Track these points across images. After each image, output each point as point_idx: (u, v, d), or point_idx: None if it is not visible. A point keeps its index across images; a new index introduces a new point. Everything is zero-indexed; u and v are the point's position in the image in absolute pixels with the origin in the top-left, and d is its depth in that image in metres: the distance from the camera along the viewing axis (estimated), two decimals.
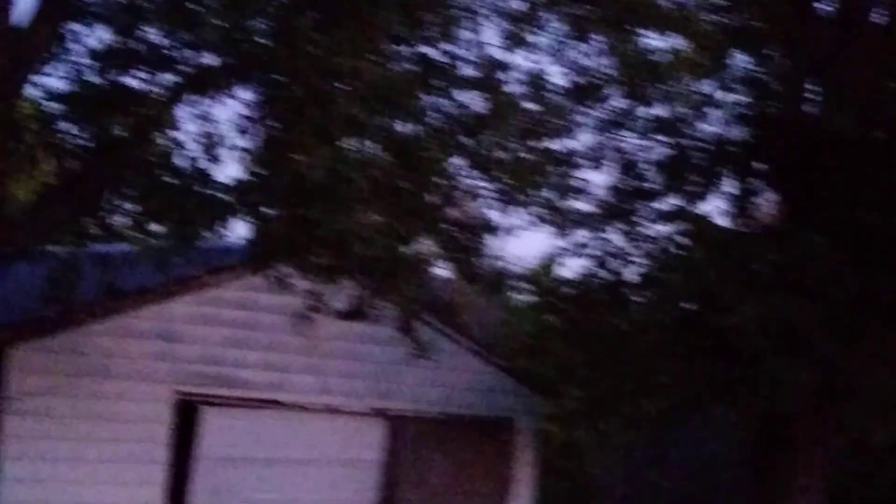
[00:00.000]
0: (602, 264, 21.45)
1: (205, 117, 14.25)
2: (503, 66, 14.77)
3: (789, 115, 20.22)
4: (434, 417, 21.15)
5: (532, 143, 15.15)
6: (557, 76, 15.62)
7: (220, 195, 14.51)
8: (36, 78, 14.12)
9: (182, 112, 14.31)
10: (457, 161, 15.16)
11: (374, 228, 13.94)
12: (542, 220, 16.57)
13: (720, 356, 19.95)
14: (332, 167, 13.09)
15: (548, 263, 23.99)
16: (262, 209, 14.65)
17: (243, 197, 14.54)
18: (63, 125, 14.38)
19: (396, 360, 18.62)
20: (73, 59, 14.18)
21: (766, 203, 22.32)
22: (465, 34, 14.54)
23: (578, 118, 17.07)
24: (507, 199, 15.60)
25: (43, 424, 17.01)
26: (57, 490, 17.17)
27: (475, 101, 14.88)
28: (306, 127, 13.13)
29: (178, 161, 14.62)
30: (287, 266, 15.34)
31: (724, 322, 19.32)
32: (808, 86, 20.37)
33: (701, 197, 21.09)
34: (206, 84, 13.54)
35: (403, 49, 14.17)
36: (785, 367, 18.86)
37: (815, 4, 20.53)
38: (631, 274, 21.72)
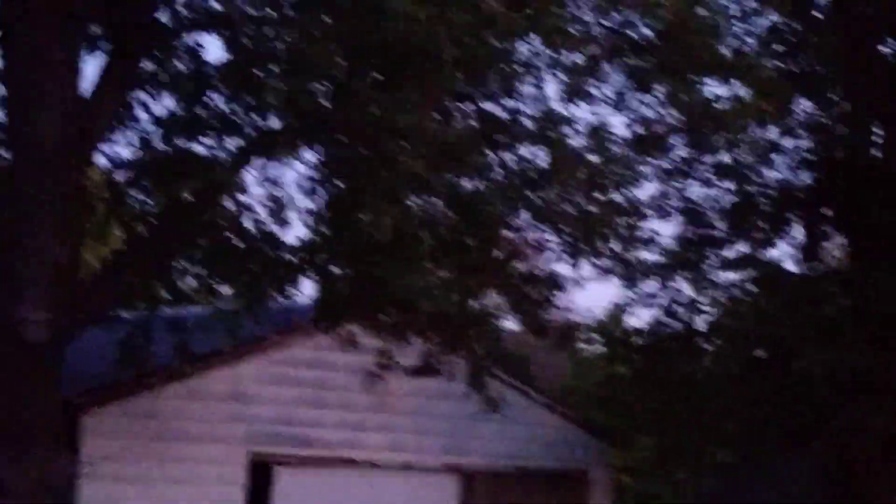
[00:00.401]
0: (671, 313, 21.40)
1: (271, 180, 14.37)
2: (565, 120, 14.75)
3: (854, 159, 20.14)
4: (507, 471, 21.09)
5: (597, 195, 15.11)
6: (620, 127, 15.62)
7: (287, 256, 14.62)
8: (104, 147, 14.33)
9: (249, 175, 14.45)
10: (522, 215, 15.16)
11: (441, 285, 13.94)
12: (610, 271, 16.49)
13: (791, 403, 19.80)
14: (398, 225, 13.12)
15: (616, 314, 23.95)
16: (329, 269, 14.72)
17: (310, 257, 14.63)
18: (132, 192, 14.57)
19: (468, 416, 18.58)
20: (140, 127, 14.38)
21: (835, 247, 22.23)
22: (527, 89, 14.57)
23: (642, 168, 17.02)
24: (574, 251, 15.54)
25: (118, 488, 17.12)
26: None
27: (538, 155, 14.89)
28: (371, 186, 13.19)
29: (246, 224, 14.75)
30: (356, 325, 15.40)
31: (795, 368, 19.20)
32: (872, 129, 20.28)
33: (768, 243, 21.02)
34: (271, 147, 13.65)
35: (465, 106, 14.23)
36: (858, 413, 18.69)
37: (878, 47, 20.45)
38: (700, 322, 21.65)
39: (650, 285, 21.04)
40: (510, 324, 18.71)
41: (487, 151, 14.48)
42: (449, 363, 16.28)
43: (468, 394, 16.45)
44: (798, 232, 21.10)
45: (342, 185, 13.94)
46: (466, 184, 14.52)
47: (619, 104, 15.61)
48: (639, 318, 22.58)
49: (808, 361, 18.99)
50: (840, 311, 20.20)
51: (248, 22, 13.01)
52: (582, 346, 27.61)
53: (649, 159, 17.17)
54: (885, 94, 19.29)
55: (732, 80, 15.40)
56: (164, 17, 13.97)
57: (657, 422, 22.52)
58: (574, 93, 14.68)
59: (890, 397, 18.97)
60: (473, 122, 14.28)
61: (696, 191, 20.86)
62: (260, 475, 18.55)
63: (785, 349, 19.80)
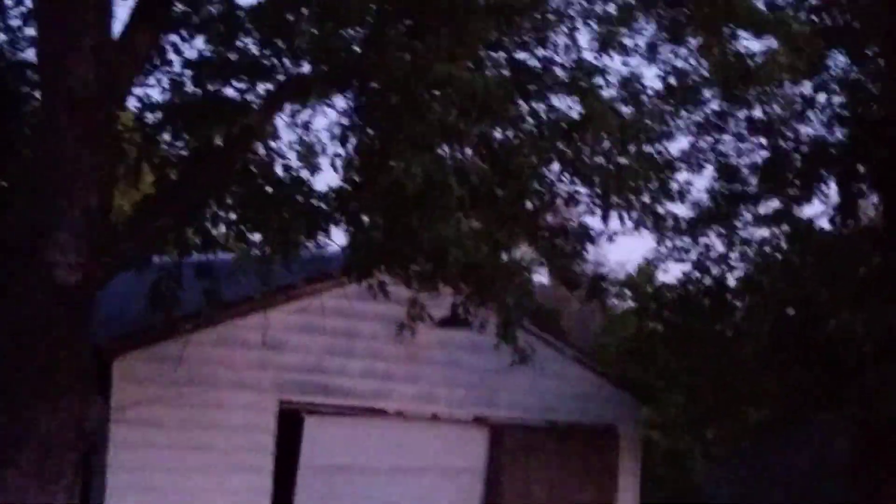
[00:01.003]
0: (702, 269, 21.35)
1: (303, 126, 14.37)
2: (598, 71, 14.71)
3: (889, 116, 20.00)
4: (536, 425, 21.13)
5: (629, 148, 15.06)
6: (653, 79, 15.58)
7: (318, 204, 14.63)
8: (136, 90, 14.37)
9: (280, 121, 14.46)
10: (554, 167, 15.12)
11: (472, 236, 13.92)
12: (641, 224, 16.44)
13: (823, 364, 19.74)
14: (430, 175, 13.10)
15: (648, 269, 23.93)
16: (361, 217, 14.72)
17: (341, 205, 14.64)
18: (163, 136, 14.60)
19: (498, 368, 18.56)
20: (172, 70, 14.40)
21: (869, 205, 22.12)
22: (560, 39, 14.52)
23: (675, 122, 16.99)
24: (605, 204, 15.50)
25: (148, 434, 17.26)
26: (161, 499, 17.40)
27: (571, 106, 14.85)
28: (403, 135, 13.18)
29: (277, 170, 14.77)
30: (386, 274, 15.41)
31: (827, 329, 19.14)
32: None
33: (801, 200, 20.93)
34: (302, 93, 13.65)
35: (498, 55, 14.19)
36: (890, 374, 18.62)
37: None
38: (732, 279, 21.61)
39: (682, 240, 21.02)
40: (541, 276, 18.73)
41: (519, 101, 14.44)
42: (479, 315, 16.24)
43: (498, 346, 16.44)
44: (832, 189, 21.02)
45: (373, 133, 13.95)
46: (498, 134, 14.49)
47: (652, 56, 15.59)
48: (670, 274, 22.51)
49: (844, 321, 18.92)
50: (874, 270, 20.11)
51: None
52: (613, 300, 27.59)
53: (682, 112, 17.13)
54: None
55: (766, 35, 15.32)
56: None
57: (688, 379, 22.49)
58: (607, 43, 14.62)
59: None
60: (506, 72, 14.25)
61: (728, 145, 20.83)
62: (289, 423, 18.65)
63: (818, 308, 19.74)
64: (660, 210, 15.97)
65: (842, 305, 19.12)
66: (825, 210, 21.19)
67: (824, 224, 21.14)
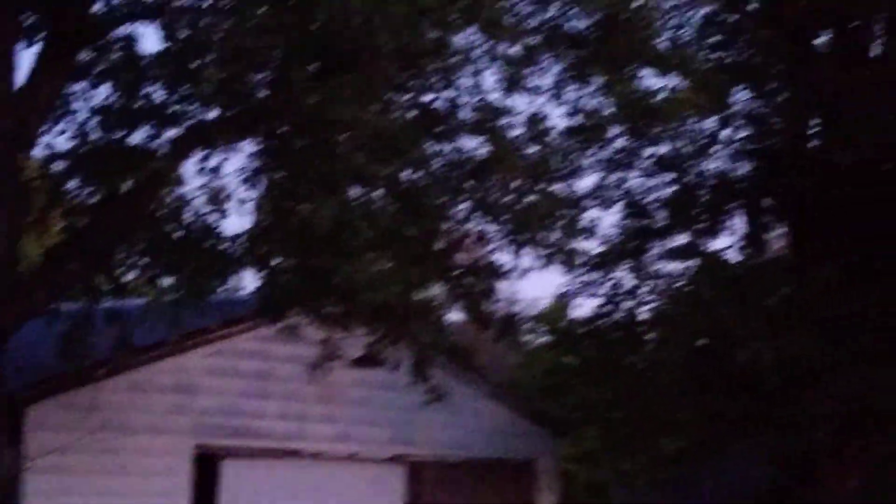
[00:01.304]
0: (614, 303, 21.55)
1: (211, 171, 14.40)
2: (504, 111, 14.91)
3: (793, 150, 20.34)
4: (454, 462, 21.21)
5: (537, 186, 15.24)
6: (559, 118, 15.77)
7: (228, 247, 14.67)
8: (43, 138, 14.33)
9: (188, 167, 14.49)
10: (463, 206, 15.27)
11: (383, 276, 14.03)
12: (551, 261, 16.60)
13: (737, 393, 19.96)
14: (339, 216, 13.21)
15: (561, 304, 24.09)
16: (271, 260, 14.79)
17: (252, 248, 14.70)
18: (70, 184, 14.58)
19: (414, 406, 18.61)
20: (78, 118, 14.39)
21: (776, 237, 22.43)
22: (465, 80, 14.69)
23: (582, 159, 17.19)
24: (515, 241, 15.67)
25: (63, 482, 17.12)
26: None
27: (478, 146, 15.02)
28: (311, 177, 13.29)
29: (186, 215, 14.79)
30: (299, 315, 15.47)
31: (738, 358, 19.37)
32: (809, 118, 20.47)
33: (709, 233, 21.18)
34: (209, 138, 13.71)
35: (405, 97, 14.32)
36: (803, 402, 18.85)
37: (814, 37, 20.64)
38: (643, 312, 21.81)
39: (593, 275, 21.21)
40: (455, 314, 18.83)
41: (427, 142, 14.60)
42: (393, 354, 16.34)
43: (413, 384, 16.54)
44: (739, 222, 21.29)
45: (282, 176, 14.02)
46: (406, 175, 14.62)
47: (557, 95, 15.78)
48: (583, 308, 22.68)
49: (753, 351, 19.16)
50: (782, 300, 20.39)
51: (184, 11, 13.06)
52: (527, 336, 27.72)
53: (589, 150, 17.34)
54: (822, 83, 19.47)
55: (669, 72, 15.59)
56: (99, 7, 13.98)
57: (603, 411, 22.66)
58: (512, 84, 14.82)
59: (835, 385, 19.12)
60: (413, 113, 14.39)
61: (636, 181, 21.07)
62: (205, 467, 18.60)
63: (729, 338, 19.98)
64: (569, 246, 16.17)
65: (752, 335, 19.34)
66: (733, 242, 21.45)
67: (733, 256, 21.39)
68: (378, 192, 14.41)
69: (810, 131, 20.56)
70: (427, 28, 13.04)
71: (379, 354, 16.42)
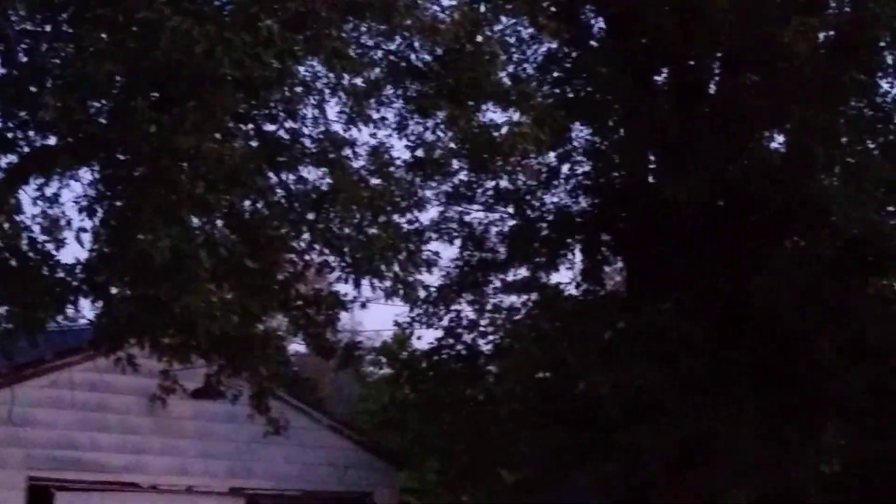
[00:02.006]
0: (455, 336, 21.68)
1: (49, 198, 14.15)
2: (346, 142, 14.93)
3: (630, 185, 20.69)
4: (293, 495, 21.09)
5: (378, 218, 15.28)
6: (401, 150, 15.85)
7: (65, 277, 14.42)
8: None
9: (25, 195, 14.22)
10: (305, 237, 15.24)
11: (223, 306, 13.91)
12: (392, 293, 16.63)
13: (576, 425, 20.18)
14: (178, 246, 13.08)
15: (402, 337, 24.17)
16: (109, 289, 14.57)
17: (89, 278, 14.46)
18: None
19: (253, 439, 18.51)
20: None
21: (615, 272, 22.79)
22: (308, 111, 14.70)
23: (424, 192, 17.29)
24: (356, 273, 15.67)
25: None
26: None
27: (321, 177, 15.02)
28: (150, 206, 13.13)
29: (22, 243, 14.50)
30: (136, 346, 15.27)
31: (577, 391, 19.61)
32: (647, 156, 20.85)
33: (548, 267, 21.44)
34: (47, 165, 13.50)
35: (246, 127, 14.26)
36: (640, 434, 19.12)
37: (653, 77, 21.06)
38: (484, 345, 21.98)
39: (434, 308, 21.31)
40: (297, 346, 18.77)
41: (269, 173, 14.55)
42: (233, 385, 16.21)
43: (252, 416, 16.43)
44: (578, 256, 21.56)
45: (120, 205, 13.84)
46: (248, 205, 14.55)
47: (400, 128, 15.88)
48: (424, 341, 22.73)
49: (591, 384, 19.41)
50: (619, 333, 20.71)
51: (24, 36, 12.87)
52: (370, 368, 27.73)
53: (430, 183, 17.45)
54: (660, 121, 19.85)
55: (510, 107, 15.76)
56: None
57: (443, 443, 22.74)
58: (355, 115, 14.85)
59: (669, 417, 19.44)
60: (254, 143, 14.34)
61: (477, 215, 21.26)
62: (39, 500, 18.24)
63: (567, 371, 20.23)
64: (410, 279, 16.20)
65: (590, 368, 19.60)
66: (572, 276, 21.72)
67: (571, 290, 21.67)
68: (218, 222, 14.30)
69: (648, 168, 20.94)
70: (270, 58, 12.99)
71: (218, 386, 16.28)
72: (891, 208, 18.35)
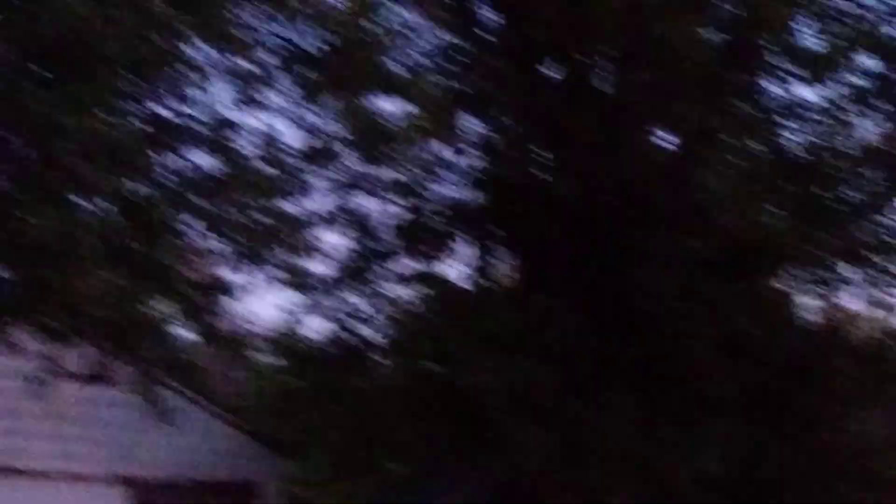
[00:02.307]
0: (343, 326, 21.67)
1: None
2: (236, 127, 14.92)
3: (523, 179, 20.78)
4: (177, 482, 20.95)
5: (267, 204, 15.28)
6: (292, 137, 15.87)
7: None
8: None
9: None
10: (191, 221, 15.19)
11: (108, 290, 13.84)
12: (281, 281, 16.67)
13: (462, 419, 20.27)
14: (63, 227, 13.00)
15: (291, 325, 24.07)
16: None
17: None
18: None
19: (138, 425, 18.40)
20: None
21: (505, 266, 22.89)
22: (199, 94, 14.66)
23: (313, 179, 17.32)
24: (243, 259, 15.67)
25: None
26: None
27: (209, 161, 14.99)
28: (34, 186, 13.04)
29: None
30: (18, 328, 15.13)
31: (464, 384, 19.69)
32: (539, 151, 20.96)
33: (438, 259, 21.49)
34: None
35: (133, 107, 14.19)
36: (524, 429, 19.24)
37: (544, 71, 21.17)
38: (373, 336, 21.98)
39: (322, 297, 21.29)
40: (183, 332, 18.67)
41: (156, 155, 14.49)
42: (118, 370, 16.11)
43: (138, 402, 16.34)
44: (468, 249, 21.61)
45: (4, 186, 13.73)
46: (134, 187, 14.48)
47: (290, 114, 15.90)
48: (314, 330, 22.66)
49: (481, 377, 19.51)
50: (509, 328, 20.81)
51: None
52: (257, 356, 27.59)
53: (320, 170, 17.47)
54: (552, 116, 19.99)
55: (403, 97, 15.85)
56: None
57: (330, 434, 22.73)
58: (246, 100, 14.86)
59: (556, 415, 19.57)
60: (141, 125, 14.28)
61: (367, 205, 21.25)
62: None
63: (456, 364, 20.30)
64: (298, 267, 16.25)
65: (478, 362, 19.68)
66: (462, 269, 21.77)
67: (461, 283, 21.72)
68: (104, 205, 14.23)
69: (540, 162, 21.04)
70: (157, 38, 12.95)
71: (103, 371, 16.17)
72: (773, 208, 18.61)
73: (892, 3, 20.45)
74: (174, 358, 18.34)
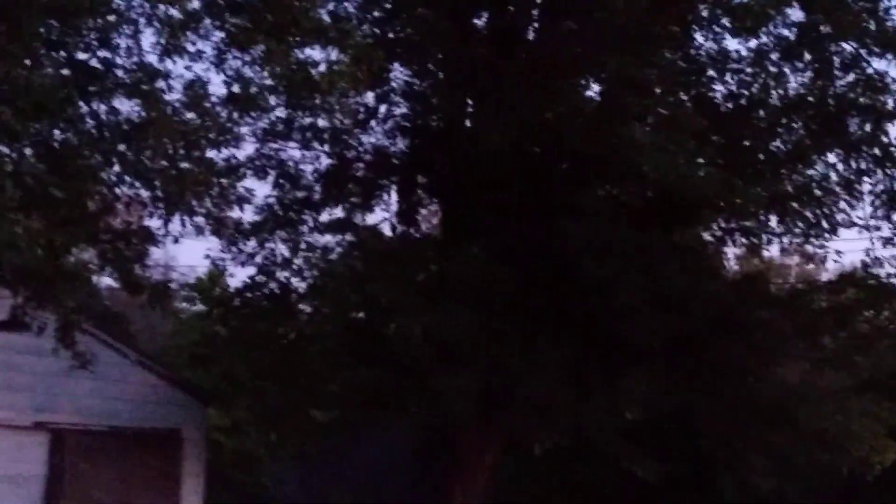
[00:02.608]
0: (268, 274, 21.59)
1: None
2: (161, 75, 14.73)
3: (448, 129, 20.75)
4: (99, 430, 20.82)
5: (192, 153, 15.13)
6: (218, 85, 15.70)
7: None
8: None
9: None
10: (115, 169, 15.02)
11: (29, 238, 13.66)
12: (206, 229, 16.50)
13: (387, 366, 20.27)
14: None
15: (215, 273, 24.00)
16: None
17: None
18: None
19: (59, 372, 18.20)
20: None
21: (431, 214, 22.89)
22: (122, 41, 14.47)
23: (239, 128, 17.14)
24: (167, 208, 15.51)
25: None
26: None
27: (133, 109, 14.81)
28: None
29: None
30: None
31: (389, 332, 19.69)
32: (465, 100, 20.91)
33: (363, 208, 21.44)
34: None
35: (58, 54, 13.99)
36: (448, 376, 19.28)
37: (473, 20, 21.10)
38: (298, 284, 21.93)
39: (247, 245, 21.19)
40: (106, 279, 18.53)
41: (80, 102, 14.30)
42: (38, 318, 15.94)
43: (58, 350, 16.19)
44: (393, 198, 21.59)
45: None
46: (57, 134, 14.30)
47: (217, 62, 15.71)
48: (237, 279, 22.60)
49: (405, 325, 19.50)
50: (433, 276, 20.82)
51: None
52: (182, 304, 27.52)
53: (246, 119, 17.31)
54: (479, 65, 19.92)
55: (329, 45, 15.67)
56: None
57: (253, 382, 22.68)
58: (171, 47, 14.66)
59: (479, 362, 19.60)
60: (65, 72, 14.07)
61: (293, 153, 21.15)
62: None
63: (380, 312, 20.28)
64: (222, 215, 16.11)
65: (403, 310, 19.68)
66: (387, 217, 21.76)
67: (386, 231, 21.71)
68: (26, 151, 14.03)
69: (466, 111, 21.00)
70: None
71: (23, 318, 15.99)
72: (701, 160, 18.66)
73: None
74: (96, 306, 18.23)
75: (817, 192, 20.27)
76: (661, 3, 19.59)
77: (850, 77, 19.96)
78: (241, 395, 23.86)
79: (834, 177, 20.47)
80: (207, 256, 21.50)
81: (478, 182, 20.44)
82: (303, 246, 21.55)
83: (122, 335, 21.75)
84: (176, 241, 17.30)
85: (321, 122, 19.96)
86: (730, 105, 20.45)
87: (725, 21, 19.52)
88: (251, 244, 21.24)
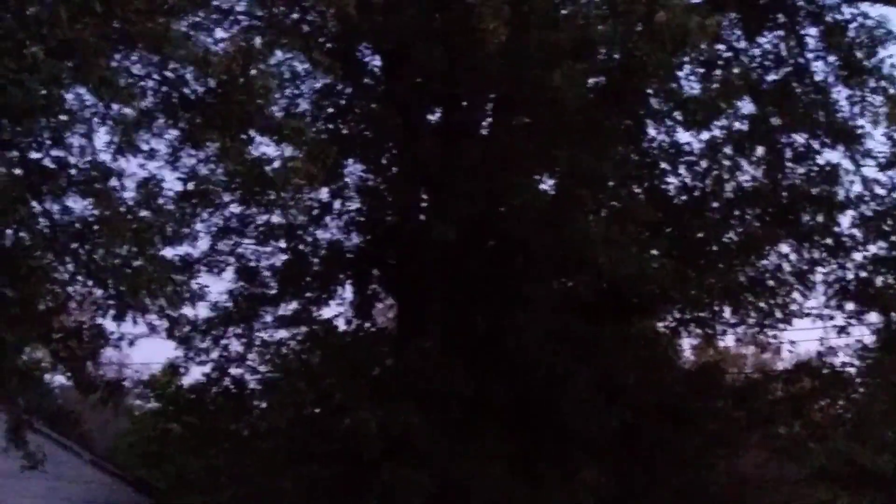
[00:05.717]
0: (222, 370, 21.47)
1: None
2: (115, 173, 14.73)
3: (402, 223, 20.77)
4: None
5: (146, 250, 15.07)
6: (173, 182, 15.71)
7: None
8: None
9: None
10: (68, 268, 14.96)
11: None
12: (157, 328, 16.39)
13: (340, 461, 20.15)
14: None
15: (169, 371, 23.80)
16: None
17: None
18: None
19: (11, 472, 17.99)
20: None
21: (385, 308, 22.86)
22: (76, 139, 14.46)
23: (194, 225, 17.14)
24: (122, 306, 15.42)
25: None
26: None
27: (87, 208, 14.77)
28: None
29: None
30: None
31: (343, 427, 19.58)
32: (418, 194, 20.96)
33: (319, 302, 21.40)
34: None
35: (10, 154, 13.96)
36: (401, 471, 19.18)
37: (426, 116, 21.21)
38: (252, 379, 21.80)
39: (201, 342, 21.06)
40: (59, 378, 18.36)
41: (32, 201, 14.24)
42: None
43: (10, 449, 16.02)
44: (348, 292, 21.55)
45: None
46: (9, 234, 14.23)
47: (171, 159, 15.73)
48: (192, 376, 22.39)
49: (360, 419, 19.39)
50: (387, 370, 20.76)
51: None
52: (136, 402, 27.24)
53: (201, 215, 17.30)
54: (431, 160, 19.99)
55: (283, 142, 15.73)
56: None
57: (206, 479, 22.45)
58: (124, 146, 14.66)
59: (431, 456, 19.53)
60: (18, 171, 14.03)
61: (248, 248, 21.09)
62: None
63: (335, 406, 20.18)
64: (174, 313, 16.02)
65: (357, 403, 19.60)
66: (342, 312, 21.69)
67: (341, 325, 21.65)
68: None
69: (419, 206, 21.05)
70: (35, 85, 12.73)
71: None
72: (654, 252, 18.76)
73: (765, 47, 20.85)
74: (49, 405, 18.08)
75: (770, 283, 20.44)
76: (612, 97, 19.77)
77: (802, 168, 20.21)
78: (193, 492, 23.59)
79: (787, 267, 20.68)
80: (168, 360, 21.46)
81: (431, 275, 20.47)
82: (257, 342, 21.46)
83: (76, 434, 21.52)
84: (131, 344, 17.29)
85: (276, 218, 19.99)
86: (683, 197, 20.62)
87: (677, 114, 19.73)
88: (205, 341, 21.11)
